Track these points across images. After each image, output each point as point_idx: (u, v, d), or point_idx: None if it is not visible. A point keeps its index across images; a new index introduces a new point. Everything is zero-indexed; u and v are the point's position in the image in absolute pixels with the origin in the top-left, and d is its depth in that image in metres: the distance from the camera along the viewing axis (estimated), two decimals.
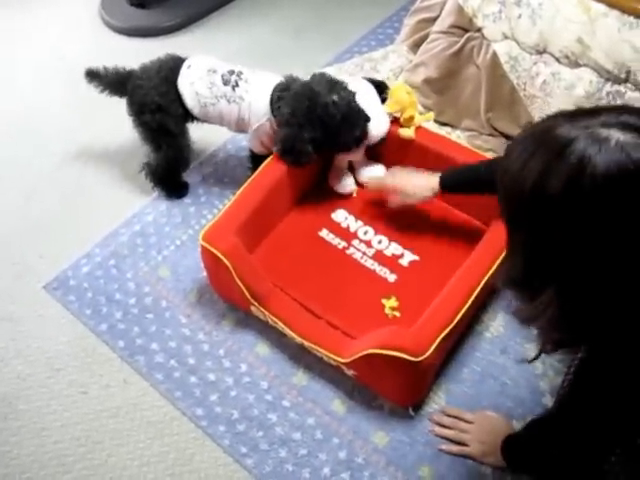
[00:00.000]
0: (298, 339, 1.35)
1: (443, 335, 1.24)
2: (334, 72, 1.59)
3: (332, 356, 1.31)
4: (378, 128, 1.54)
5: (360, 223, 1.59)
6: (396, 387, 1.33)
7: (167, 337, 1.47)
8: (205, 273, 1.51)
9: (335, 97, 1.43)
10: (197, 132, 1.68)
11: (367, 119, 1.48)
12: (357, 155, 1.57)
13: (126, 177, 1.79)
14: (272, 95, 1.49)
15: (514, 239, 0.80)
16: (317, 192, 1.65)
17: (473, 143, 1.70)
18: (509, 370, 1.39)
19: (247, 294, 1.37)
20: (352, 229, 1.58)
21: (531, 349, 1.38)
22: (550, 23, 1.59)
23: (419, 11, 1.89)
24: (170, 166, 1.66)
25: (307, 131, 1.43)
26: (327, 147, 1.49)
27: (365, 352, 1.24)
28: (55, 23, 2.31)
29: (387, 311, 1.43)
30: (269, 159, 1.53)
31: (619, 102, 1.55)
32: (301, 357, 1.41)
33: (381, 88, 1.58)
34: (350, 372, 1.33)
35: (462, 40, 1.74)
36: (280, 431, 1.33)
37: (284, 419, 1.35)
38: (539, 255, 0.76)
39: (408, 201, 1.47)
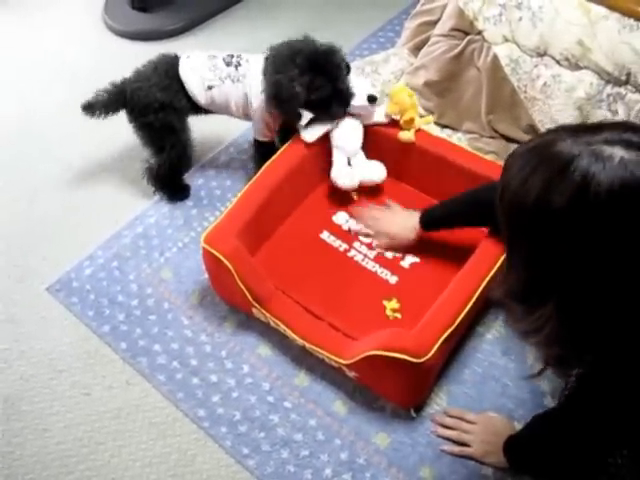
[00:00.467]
0: (300, 341, 1.35)
1: (445, 336, 1.24)
2: None
3: (333, 358, 1.31)
4: (358, 100, 1.54)
5: (361, 225, 1.60)
6: (398, 388, 1.33)
7: (169, 339, 1.48)
8: (207, 275, 1.51)
9: (316, 46, 1.48)
10: (198, 135, 1.69)
11: (349, 66, 1.52)
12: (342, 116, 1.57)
13: (128, 180, 1.80)
14: (263, 68, 1.51)
15: (514, 254, 0.80)
16: (318, 195, 1.66)
17: (474, 145, 1.70)
18: (510, 371, 1.39)
19: (249, 296, 1.37)
20: (353, 231, 1.59)
21: (531, 350, 1.38)
22: (550, 26, 1.60)
23: (420, 14, 1.90)
24: (173, 167, 1.66)
25: (292, 71, 1.45)
26: (314, 90, 1.48)
27: (367, 354, 1.24)
28: (57, 27, 2.32)
29: (388, 313, 1.44)
30: (269, 162, 1.53)
31: (620, 104, 1.56)
32: (303, 359, 1.42)
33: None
34: (352, 374, 1.34)
35: (463, 43, 1.75)
36: (282, 432, 1.33)
37: (286, 420, 1.35)
38: (540, 270, 0.76)
39: (394, 244, 1.51)
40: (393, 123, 1.58)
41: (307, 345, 1.35)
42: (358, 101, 1.53)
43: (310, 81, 1.46)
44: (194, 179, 1.78)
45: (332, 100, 1.50)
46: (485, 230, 1.41)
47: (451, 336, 1.27)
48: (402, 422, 1.33)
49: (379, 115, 1.59)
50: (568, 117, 1.61)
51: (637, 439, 1.02)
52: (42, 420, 1.38)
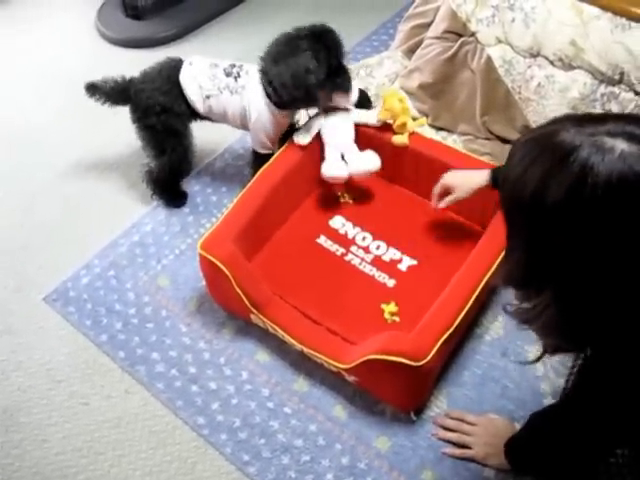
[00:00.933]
0: (298, 346, 1.35)
1: (443, 339, 1.24)
2: None
3: (332, 362, 1.31)
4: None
5: (358, 229, 1.60)
6: (397, 392, 1.33)
7: (167, 346, 1.47)
8: (204, 282, 1.51)
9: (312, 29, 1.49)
10: (194, 142, 1.69)
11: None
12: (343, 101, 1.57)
13: (124, 188, 1.79)
14: (263, 68, 1.51)
15: (513, 241, 0.81)
16: (314, 199, 1.66)
17: (469, 147, 1.70)
18: (510, 373, 1.39)
19: (246, 302, 1.37)
20: (350, 235, 1.59)
21: (531, 351, 1.38)
22: (543, 26, 1.60)
23: (413, 17, 1.90)
24: (173, 171, 1.66)
25: (302, 57, 1.44)
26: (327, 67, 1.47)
27: (365, 358, 1.24)
28: (52, 35, 2.32)
29: (386, 316, 1.43)
30: (264, 167, 1.53)
31: (613, 103, 1.56)
32: (302, 364, 1.41)
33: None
34: (351, 378, 1.33)
35: (456, 45, 1.75)
36: (282, 438, 1.33)
37: (286, 426, 1.34)
38: (537, 259, 0.77)
39: (461, 196, 1.41)
40: (387, 127, 1.58)
41: (305, 350, 1.35)
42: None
43: (324, 58, 1.45)
44: (190, 186, 1.78)
45: (340, 74, 1.50)
46: (482, 232, 1.41)
47: (450, 338, 1.26)
48: (402, 425, 1.33)
49: (372, 117, 1.59)
50: None
51: (638, 437, 1.02)
52: (41, 431, 1.37)
